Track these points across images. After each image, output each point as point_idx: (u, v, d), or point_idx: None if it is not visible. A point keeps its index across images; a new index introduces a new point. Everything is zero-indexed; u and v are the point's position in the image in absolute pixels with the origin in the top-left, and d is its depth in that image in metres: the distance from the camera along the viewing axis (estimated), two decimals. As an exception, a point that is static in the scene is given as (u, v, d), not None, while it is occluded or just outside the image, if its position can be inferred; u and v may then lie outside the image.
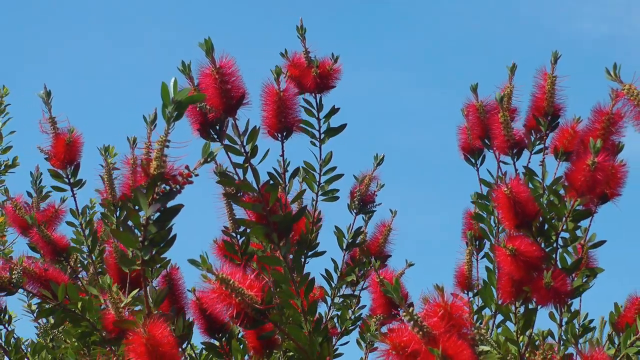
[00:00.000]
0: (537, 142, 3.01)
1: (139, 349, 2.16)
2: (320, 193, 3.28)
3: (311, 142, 3.18)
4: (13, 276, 2.88)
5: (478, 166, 3.16)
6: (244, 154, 2.54)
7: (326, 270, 3.44)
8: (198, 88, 2.54)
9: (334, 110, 3.11)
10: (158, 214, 2.18)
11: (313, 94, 3.08)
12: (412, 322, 2.13)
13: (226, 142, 2.55)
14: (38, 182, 3.89)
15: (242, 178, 2.53)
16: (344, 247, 3.49)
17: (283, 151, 2.87)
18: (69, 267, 3.56)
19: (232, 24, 10.98)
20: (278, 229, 2.55)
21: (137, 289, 3.07)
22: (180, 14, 11.47)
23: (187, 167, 2.24)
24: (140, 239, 2.19)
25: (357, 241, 3.49)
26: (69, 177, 3.44)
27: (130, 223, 2.23)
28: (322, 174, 3.25)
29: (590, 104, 2.85)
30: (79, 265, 3.57)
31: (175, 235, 2.27)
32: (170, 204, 2.17)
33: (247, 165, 2.52)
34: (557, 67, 2.96)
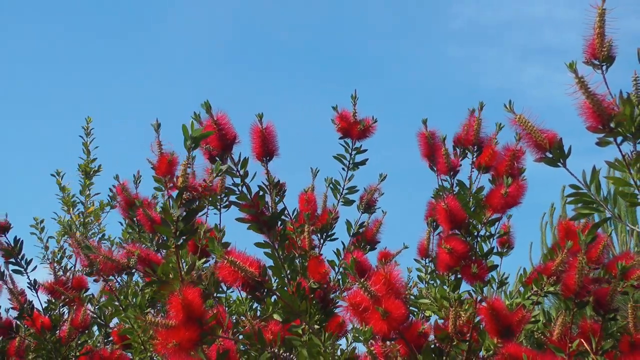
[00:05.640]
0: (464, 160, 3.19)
1: (176, 306, 2.33)
2: (341, 201, 3.60)
3: (342, 168, 3.49)
4: (130, 262, 3.02)
5: (439, 173, 3.26)
6: (239, 176, 2.73)
7: (337, 249, 3.64)
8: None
9: (361, 150, 3.41)
10: (184, 213, 2.38)
11: (352, 140, 3.39)
12: (363, 288, 2.34)
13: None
14: (138, 182, 4.19)
15: (239, 192, 2.76)
16: (351, 234, 3.71)
17: (267, 171, 3.04)
18: (158, 239, 3.71)
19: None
20: (266, 225, 2.77)
21: (204, 258, 3.33)
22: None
23: (204, 180, 2.49)
24: (173, 230, 2.40)
25: (360, 231, 3.72)
26: (166, 182, 3.68)
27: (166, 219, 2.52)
28: (344, 188, 3.57)
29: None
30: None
31: (197, 228, 2.54)
32: (192, 206, 2.38)
33: (242, 183, 2.74)
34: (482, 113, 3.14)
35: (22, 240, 3.82)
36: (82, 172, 5.44)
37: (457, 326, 2.63)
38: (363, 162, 3.48)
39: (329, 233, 3.68)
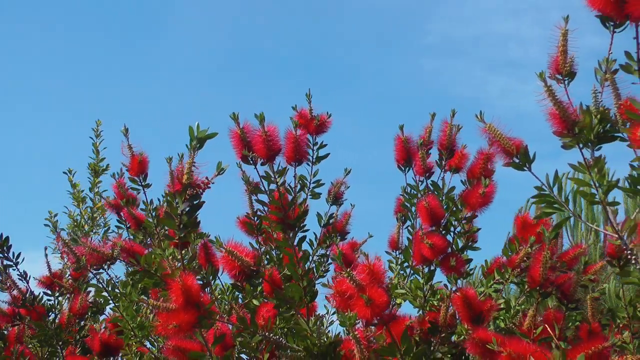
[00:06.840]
0: (440, 164, 3.36)
1: (176, 291, 2.47)
2: (309, 194, 3.66)
3: (307, 163, 3.52)
4: (114, 252, 3.17)
5: (405, 173, 3.50)
6: (276, 183, 2.89)
7: (310, 240, 3.82)
8: (244, 130, 2.85)
9: (322, 145, 3.51)
10: (188, 208, 2.51)
11: (312, 135, 3.49)
12: (348, 277, 2.43)
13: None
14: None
15: (270, 195, 2.93)
16: (322, 225, 3.87)
17: (295, 173, 3.22)
18: (146, 235, 3.84)
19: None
20: (290, 227, 2.94)
21: (186, 248, 3.44)
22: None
23: (206, 178, 2.62)
24: (177, 223, 2.54)
25: (330, 222, 3.89)
26: (141, 182, 3.68)
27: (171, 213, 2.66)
28: (311, 182, 3.64)
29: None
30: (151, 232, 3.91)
31: (199, 221, 2.63)
32: (195, 201, 2.53)
33: (278, 189, 2.89)
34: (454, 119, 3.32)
35: (8, 237, 3.84)
36: (91, 170, 5.64)
37: (447, 319, 2.78)
38: (325, 156, 3.58)
39: (301, 225, 3.83)
